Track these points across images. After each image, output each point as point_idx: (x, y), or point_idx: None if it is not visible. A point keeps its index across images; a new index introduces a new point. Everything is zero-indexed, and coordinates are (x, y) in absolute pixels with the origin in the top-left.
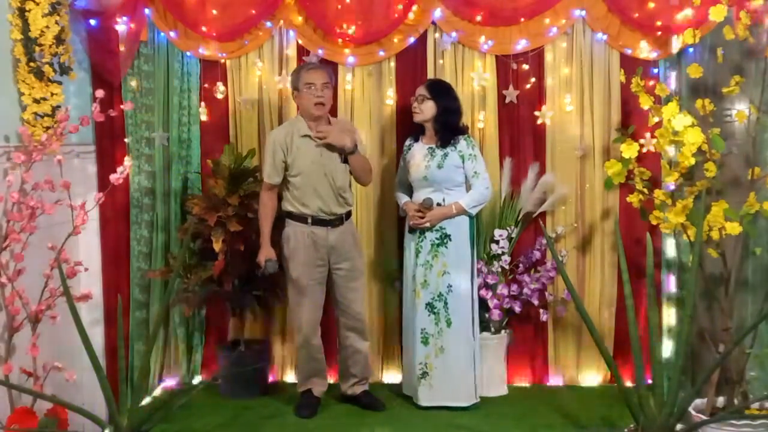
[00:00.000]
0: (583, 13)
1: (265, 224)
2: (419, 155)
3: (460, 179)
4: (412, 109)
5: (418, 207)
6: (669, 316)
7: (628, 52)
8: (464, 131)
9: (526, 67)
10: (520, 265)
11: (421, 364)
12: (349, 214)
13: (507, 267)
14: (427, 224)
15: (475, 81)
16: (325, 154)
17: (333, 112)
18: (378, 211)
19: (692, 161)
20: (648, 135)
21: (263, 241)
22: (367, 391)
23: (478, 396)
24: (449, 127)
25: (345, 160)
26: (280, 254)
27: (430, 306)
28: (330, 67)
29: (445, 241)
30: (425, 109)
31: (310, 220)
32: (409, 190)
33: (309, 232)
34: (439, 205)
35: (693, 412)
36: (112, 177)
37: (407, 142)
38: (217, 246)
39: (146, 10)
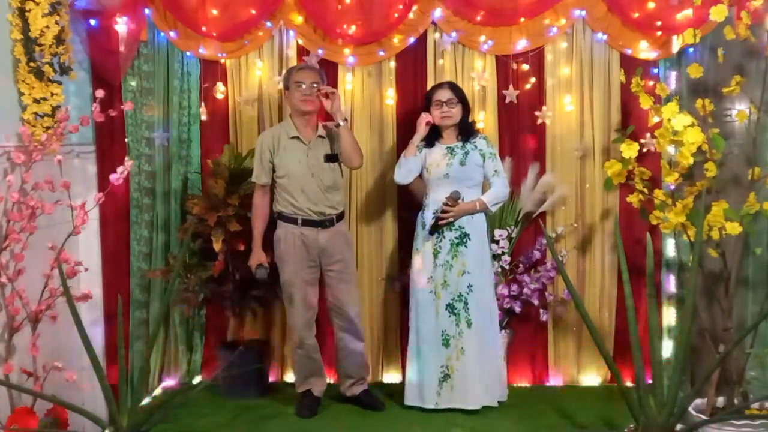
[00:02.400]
0: (583, 13)
1: (257, 227)
2: (438, 155)
3: (479, 178)
4: (442, 114)
5: (445, 200)
6: (669, 316)
7: (628, 52)
8: (478, 129)
9: (526, 67)
10: (520, 265)
11: (442, 366)
12: (341, 216)
13: (507, 267)
14: (452, 219)
15: (475, 81)
16: (311, 155)
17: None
18: (378, 211)
19: (691, 160)
20: (648, 135)
21: (255, 244)
22: (367, 391)
23: (502, 396)
24: (470, 125)
25: (329, 159)
26: (272, 256)
27: (450, 307)
28: (326, 68)
29: (464, 240)
30: (456, 113)
31: (299, 221)
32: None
33: (299, 233)
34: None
35: (693, 412)
36: (112, 177)
37: (419, 144)
38: (217, 246)
39: (146, 10)
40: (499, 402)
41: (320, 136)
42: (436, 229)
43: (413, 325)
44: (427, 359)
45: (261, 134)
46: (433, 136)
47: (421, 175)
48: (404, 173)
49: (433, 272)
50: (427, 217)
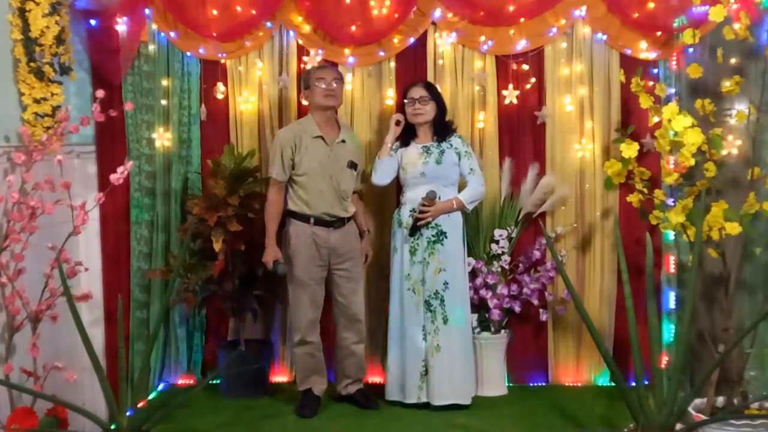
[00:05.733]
0: (583, 13)
1: (272, 223)
2: (413, 154)
3: (455, 177)
4: (413, 111)
5: (421, 201)
6: (669, 316)
7: (628, 52)
8: (455, 129)
9: (526, 67)
10: (520, 265)
11: (423, 361)
12: (350, 218)
13: (507, 267)
14: (429, 219)
15: (475, 81)
16: (333, 157)
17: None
18: (377, 211)
19: (692, 161)
20: (648, 135)
21: (269, 241)
22: (362, 390)
23: (473, 394)
24: (446, 124)
25: (351, 166)
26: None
27: (427, 303)
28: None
29: (440, 238)
30: (429, 110)
31: (312, 221)
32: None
33: (311, 232)
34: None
35: (693, 412)
36: (112, 177)
37: (395, 145)
38: (217, 246)
39: (146, 10)
40: (466, 404)
41: (342, 141)
42: (415, 230)
43: (394, 322)
44: (409, 355)
45: (280, 131)
46: (409, 135)
47: (397, 174)
48: (381, 175)
49: (410, 270)
50: (404, 215)
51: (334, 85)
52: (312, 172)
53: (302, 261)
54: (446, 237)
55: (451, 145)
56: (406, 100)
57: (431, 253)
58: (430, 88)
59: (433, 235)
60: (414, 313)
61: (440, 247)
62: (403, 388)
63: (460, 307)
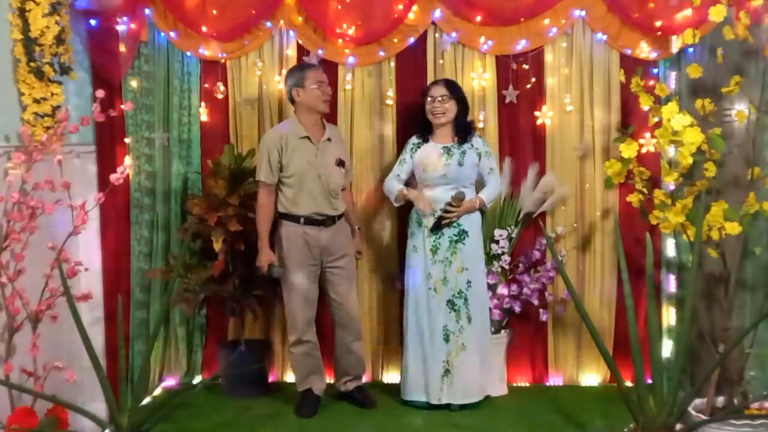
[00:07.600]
0: (583, 13)
1: (264, 226)
2: (434, 154)
3: (474, 177)
4: (433, 110)
5: (449, 201)
6: (669, 316)
7: (628, 52)
8: (475, 128)
9: (526, 67)
10: (520, 265)
11: (444, 362)
12: (341, 215)
13: (507, 267)
14: (454, 218)
15: (475, 81)
16: (321, 156)
17: (333, 112)
18: (378, 210)
19: (690, 160)
20: (648, 135)
21: (262, 244)
22: (361, 387)
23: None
24: (467, 124)
25: (339, 164)
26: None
27: (450, 303)
28: (326, 68)
29: (462, 237)
30: (450, 109)
31: (302, 220)
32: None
33: (302, 232)
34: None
35: (693, 412)
36: (112, 177)
37: (414, 140)
38: (217, 246)
39: (146, 10)
40: (481, 400)
41: (328, 139)
42: (438, 228)
43: (412, 321)
44: (429, 355)
45: (266, 134)
46: (427, 131)
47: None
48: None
49: (431, 269)
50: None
51: (328, 90)
52: (301, 172)
53: (294, 261)
54: (467, 236)
55: (472, 146)
56: (427, 99)
57: (453, 252)
58: (451, 87)
59: (455, 235)
60: (435, 312)
61: (462, 246)
62: (427, 389)
63: (482, 305)
